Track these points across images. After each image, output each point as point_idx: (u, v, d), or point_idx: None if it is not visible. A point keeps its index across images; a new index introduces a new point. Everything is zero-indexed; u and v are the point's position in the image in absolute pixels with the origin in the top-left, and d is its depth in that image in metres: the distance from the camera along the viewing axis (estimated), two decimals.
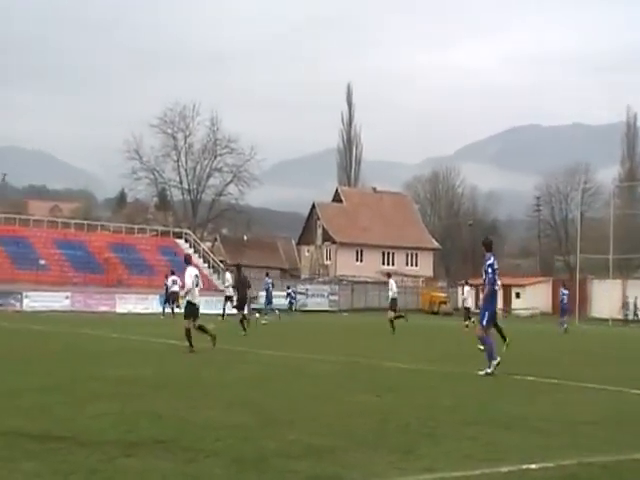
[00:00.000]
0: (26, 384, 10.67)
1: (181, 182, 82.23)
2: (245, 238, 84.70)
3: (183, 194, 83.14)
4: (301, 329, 32.11)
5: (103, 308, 49.49)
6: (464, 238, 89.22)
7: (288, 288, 56.53)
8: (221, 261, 67.65)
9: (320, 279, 74.16)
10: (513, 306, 68.88)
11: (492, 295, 14.22)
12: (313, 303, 62.08)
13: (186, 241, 66.22)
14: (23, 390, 10.07)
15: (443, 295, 68.34)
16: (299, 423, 8.27)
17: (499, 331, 16.88)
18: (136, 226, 70.35)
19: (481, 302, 14.56)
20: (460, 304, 36.98)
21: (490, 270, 14.02)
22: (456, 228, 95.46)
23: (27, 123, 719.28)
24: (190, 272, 18.29)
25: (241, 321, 27.24)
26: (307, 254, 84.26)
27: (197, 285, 18.37)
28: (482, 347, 14.79)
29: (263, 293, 41.34)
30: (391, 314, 29.71)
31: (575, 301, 55.48)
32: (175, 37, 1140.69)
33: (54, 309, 45.92)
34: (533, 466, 6.52)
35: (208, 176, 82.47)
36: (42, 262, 53.55)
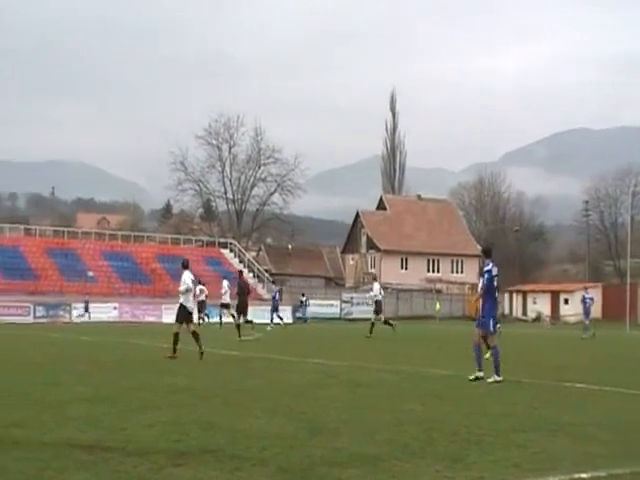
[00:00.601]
0: (76, 395, 10.80)
1: (226, 192, 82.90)
2: (290, 247, 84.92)
3: (228, 204, 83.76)
4: (346, 337, 32.07)
5: (150, 318, 49.99)
6: (510, 244, 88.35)
7: (302, 296, 56.17)
8: (266, 270, 67.91)
9: (365, 287, 74.01)
10: (562, 312, 68.03)
11: (492, 302, 14.12)
12: (358, 311, 61.94)
13: (231, 251, 66.64)
14: (74, 401, 10.19)
15: None
16: (345, 431, 8.26)
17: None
18: (182, 237, 71.03)
19: (480, 309, 14.49)
20: (506, 311, 37.42)
21: (487, 276, 14.02)
22: (502, 234, 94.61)
23: (75, 137, 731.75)
24: (186, 277, 18.56)
25: (237, 326, 27.81)
26: (352, 262, 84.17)
27: (190, 290, 18.60)
28: (487, 355, 14.90)
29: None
30: (375, 317, 30.19)
31: (625, 307, 54.61)
32: (219, 48, 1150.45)
33: (102, 320, 46.50)
34: (584, 475, 6.42)
35: (252, 186, 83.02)
36: (90, 274, 54.32)
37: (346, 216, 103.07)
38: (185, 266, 19.18)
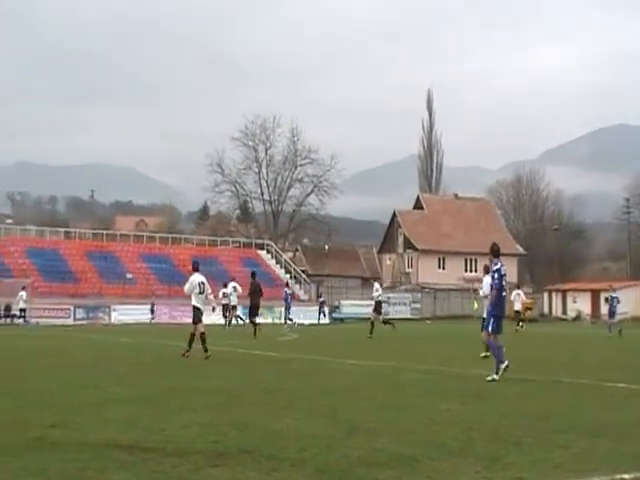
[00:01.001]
0: (115, 396, 10.90)
1: (262, 194, 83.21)
2: (326, 248, 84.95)
3: (264, 205, 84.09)
4: (383, 338, 31.97)
5: (187, 320, 50.11)
6: (549, 243, 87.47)
7: (320, 297, 55.79)
8: (303, 271, 67.99)
9: (402, 287, 73.81)
10: (602, 311, 67.17)
11: (498, 301, 14.09)
12: (395, 311, 61.77)
13: (268, 252, 66.84)
14: (113, 402, 10.28)
15: (528, 301, 67.11)
16: (383, 432, 8.22)
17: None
18: (219, 238, 71.39)
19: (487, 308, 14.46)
20: (546, 310, 37.88)
21: (496, 276, 14.03)
22: (541, 233, 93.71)
23: (113, 140, 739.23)
24: (194, 279, 18.81)
25: (254, 325, 28.85)
26: (388, 262, 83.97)
27: (203, 292, 18.82)
28: (487, 354, 14.71)
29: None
30: (374, 316, 30.54)
31: None
32: (255, 50, 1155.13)
33: (140, 321, 46.89)
34: (626, 476, 6.31)
35: (289, 187, 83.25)
36: (129, 276, 54.83)
37: (383, 216, 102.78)
38: (195, 268, 19.44)
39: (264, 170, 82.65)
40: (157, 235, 71.07)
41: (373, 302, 31.04)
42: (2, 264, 52.81)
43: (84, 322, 47.06)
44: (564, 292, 73.19)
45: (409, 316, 62.09)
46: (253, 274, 31.48)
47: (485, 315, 16.38)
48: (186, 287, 18.94)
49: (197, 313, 18.69)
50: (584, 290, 71.91)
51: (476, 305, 64.47)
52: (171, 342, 26.51)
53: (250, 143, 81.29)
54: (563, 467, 6.66)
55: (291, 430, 8.22)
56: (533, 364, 18.23)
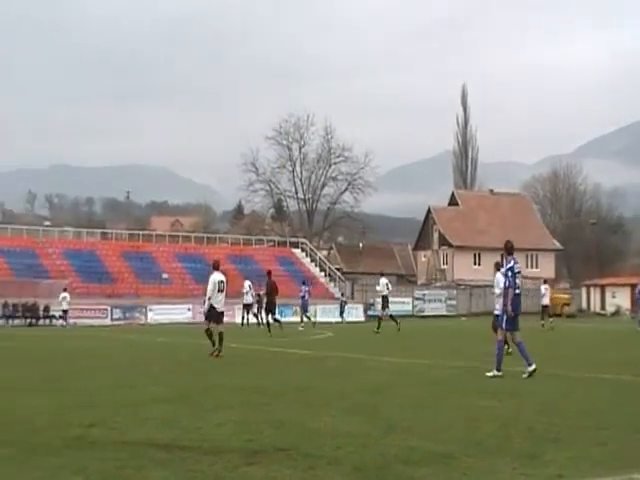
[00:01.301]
0: (152, 395, 10.98)
1: (296, 192, 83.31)
2: (361, 245, 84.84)
3: (299, 204, 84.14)
4: (419, 335, 31.87)
5: (224, 319, 50.44)
6: (587, 237, 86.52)
7: (342, 295, 54.95)
8: (337, 269, 67.99)
9: (437, 284, 73.51)
10: None
11: (512, 299, 14.06)
12: (431, 308, 61.60)
13: (302, 250, 66.89)
14: (150, 401, 10.36)
15: (566, 296, 66.50)
16: (419, 429, 8.20)
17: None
18: (253, 237, 71.60)
19: (501, 305, 14.38)
20: (584, 305, 37.75)
21: (510, 274, 14.09)
22: (578, 227, 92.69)
23: (148, 141, 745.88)
24: (214, 278, 18.91)
25: (268, 324, 29.58)
26: (424, 259, 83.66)
27: (221, 291, 18.89)
28: (510, 350, 15.57)
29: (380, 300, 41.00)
30: (381, 312, 31.73)
31: None
32: (288, 49, 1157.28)
33: (176, 321, 47.16)
34: None
35: (323, 185, 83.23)
36: (165, 276, 55.17)
37: (417, 213, 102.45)
38: (215, 267, 19.65)
39: (298, 169, 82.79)
40: (192, 235, 71.47)
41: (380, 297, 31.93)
42: (41, 266, 53.46)
43: (121, 322, 47.45)
44: (602, 287, 72.33)
45: (444, 313, 61.83)
46: (269, 273, 31.91)
47: (497, 312, 16.52)
48: (209, 288, 19.01)
49: (213, 312, 18.88)
50: (623, 285, 70.95)
51: None
52: (206, 341, 26.60)
53: (284, 142, 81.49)
54: (602, 464, 6.59)
55: (327, 428, 8.22)
56: (570, 360, 18.08)
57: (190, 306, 51.27)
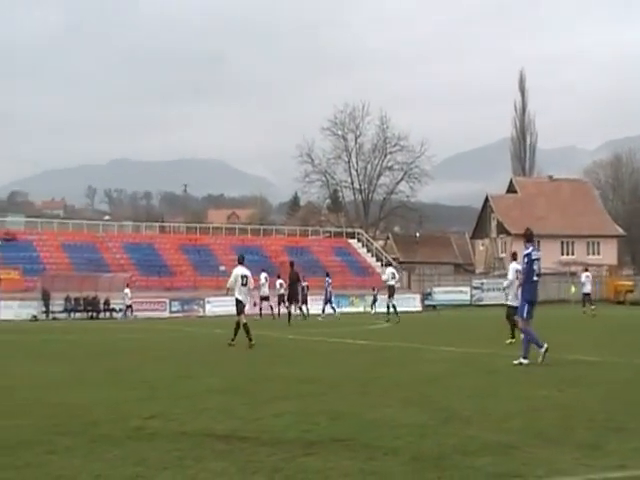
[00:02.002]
0: (211, 386, 11.08)
1: (352, 183, 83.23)
2: (417, 235, 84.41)
3: (354, 194, 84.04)
4: (477, 323, 31.59)
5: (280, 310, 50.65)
6: None
7: (373, 290, 53.61)
8: (394, 259, 67.72)
9: (495, 273, 72.71)
10: None
11: (528, 286, 14.06)
12: (489, 297, 60.94)
13: (359, 241, 66.80)
14: (208, 392, 10.46)
15: (629, 284, 65.21)
16: (478, 419, 8.11)
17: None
18: (310, 228, 71.75)
19: (514, 296, 14.39)
20: (587, 289, 37.92)
21: (526, 260, 14.01)
22: None
23: (205, 135, 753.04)
24: (237, 272, 19.26)
25: (289, 313, 30.87)
26: (481, 248, 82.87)
27: (245, 284, 19.27)
28: (513, 340, 15.97)
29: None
30: (388, 300, 32.32)
31: None
32: (342, 39, 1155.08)
33: (233, 313, 47.48)
34: None
35: (379, 175, 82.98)
36: (222, 268, 55.58)
37: (474, 201, 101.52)
38: (240, 261, 19.87)
39: (354, 159, 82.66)
40: (249, 227, 71.90)
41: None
42: (101, 260, 54.40)
43: (179, 315, 48.03)
44: None
45: (503, 302, 61.11)
46: (292, 263, 32.88)
47: (510, 303, 16.69)
48: (229, 281, 19.53)
49: (239, 305, 19.22)
50: None
51: (573, 289, 63.30)
52: (263, 332, 26.78)
53: (339, 132, 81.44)
54: None
55: (385, 419, 8.18)
56: (632, 347, 17.72)
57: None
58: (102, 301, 47.44)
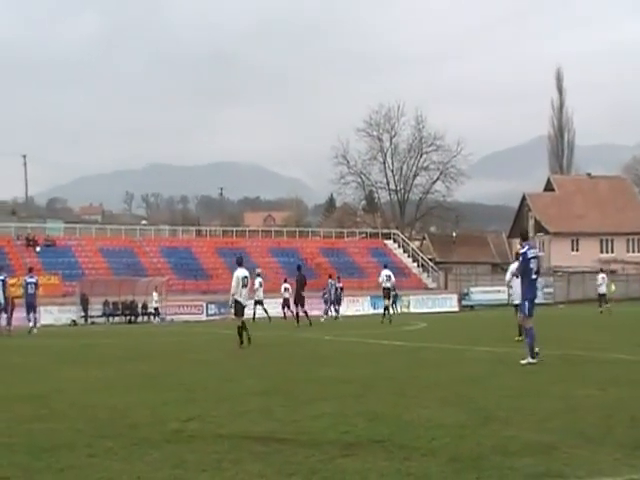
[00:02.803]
0: (248, 388, 11.10)
1: (388, 183, 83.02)
2: (454, 234, 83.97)
3: (390, 195, 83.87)
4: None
5: (316, 312, 50.68)
6: None
7: (393, 290, 52.78)
8: (430, 259, 67.45)
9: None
10: None
11: (528, 285, 14.13)
12: None
13: (395, 241, 66.63)
14: (246, 394, 10.48)
15: None
16: (517, 420, 8.04)
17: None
18: (345, 230, 71.72)
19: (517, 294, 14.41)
20: (602, 290, 40.17)
21: (521, 259, 14.19)
22: None
23: (240, 138, 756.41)
24: (238, 274, 19.59)
25: (297, 315, 31.59)
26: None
27: (245, 286, 19.64)
28: (521, 338, 15.90)
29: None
30: (386, 302, 33.70)
31: None
32: (377, 40, 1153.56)
33: (271, 315, 47.57)
34: None
35: (415, 175, 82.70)
36: (258, 271, 55.72)
37: (511, 200, 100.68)
38: (239, 263, 20.11)
39: (389, 159, 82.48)
40: (285, 229, 72.07)
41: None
42: (139, 264, 54.87)
43: (216, 317, 48.25)
44: None
45: (542, 301, 60.37)
46: (299, 267, 33.63)
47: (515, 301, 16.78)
48: (233, 284, 19.73)
49: (239, 307, 19.68)
50: None
51: (613, 287, 62.64)
52: (299, 334, 26.82)
53: (375, 133, 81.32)
54: None
55: (422, 419, 8.15)
56: None
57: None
58: (140, 305, 47.85)
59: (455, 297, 56.74)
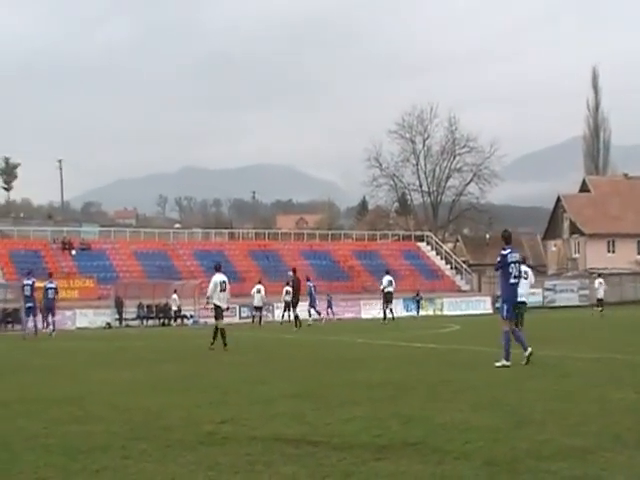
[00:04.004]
0: (281, 391, 11.12)
1: (421, 185, 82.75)
2: (487, 237, 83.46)
3: (423, 197, 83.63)
4: (549, 325, 31.07)
5: (349, 315, 50.77)
6: None
7: (417, 295, 51.23)
8: (463, 261, 67.11)
9: (568, 274, 71.42)
10: None
11: (507, 288, 14.21)
12: (562, 299, 59.94)
13: (428, 244, 66.42)
14: (278, 397, 10.50)
15: None
16: (551, 423, 7.96)
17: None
18: (378, 232, 71.62)
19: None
20: (600, 295, 42.31)
21: (499, 259, 14.47)
22: None
23: (273, 141, 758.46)
24: (215, 279, 20.45)
25: (296, 317, 32.27)
26: (554, 248, 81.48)
27: (224, 290, 20.49)
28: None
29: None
30: (385, 306, 35.75)
31: None
32: (408, 42, 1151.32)
33: (303, 318, 47.59)
34: None
35: (448, 177, 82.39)
36: (290, 274, 55.82)
37: (545, 201, 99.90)
38: (217, 269, 21.08)
39: (422, 161, 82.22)
40: (317, 232, 72.13)
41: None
42: (172, 267, 55.23)
43: (249, 320, 48.37)
44: None
45: (577, 303, 60.03)
46: (294, 270, 34.09)
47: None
48: (209, 288, 20.62)
49: (218, 310, 20.53)
50: None
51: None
52: (333, 337, 26.81)
53: (407, 135, 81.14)
54: None
55: (456, 422, 8.10)
56: None
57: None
58: (174, 308, 48.13)
59: (489, 299, 56.32)
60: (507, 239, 14.71)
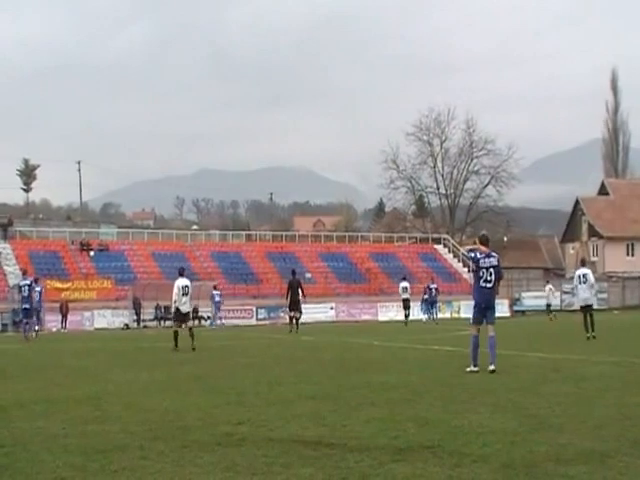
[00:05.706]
0: (298, 393, 11.12)
1: (438, 188, 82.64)
2: (505, 239, 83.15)
3: (440, 199, 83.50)
4: (567, 329, 30.91)
5: (366, 317, 50.77)
6: None
7: (430, 290, 45.65)
8: None
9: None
10: None
11: (477, 291, 14.35)
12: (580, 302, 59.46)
13: (445, 246, 66.30)
14: (296, 399, 10.50)
15: None
16: (570, 427, 7.92)
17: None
18: (395, 234, 71.58)
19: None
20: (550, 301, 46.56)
21: (471, 262, 14.41)
22: None
23: (290, 143, 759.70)
24: (178, 283, 21.11)
25: (291, 320, 32.23)
26: (572, 251, 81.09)
27: (186, 294, 21.12)
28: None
29: None
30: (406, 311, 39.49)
31: None
32: (426, 45, 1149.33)
33: (320, 320, 47.68)
34: None
35: (465, 179, 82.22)
36: (308, 275, 55.91)
37: (563, 204, 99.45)
38: (180, 274, 21.86)
39: (439, 164, 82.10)
40: (334, 234, 72.14)
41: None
42: (189, 268, 55.32)
43: (266, 322, 48.47)
44: None
45: (595, 307, 59.62)
46: (293, 272, 34.05)
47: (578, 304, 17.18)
48: (174, 292, 21.27)
49: (179, 314, 21.22)
50: None
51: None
52: (350, 339, 26.79)
53: (425, 137, 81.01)
54: None
55: (473, 425, 8.08)
56: None
57: (333, 305, 51.81)
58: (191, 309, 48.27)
59: (506, 302, 56.14)
60: (484, 243, 14.49)
